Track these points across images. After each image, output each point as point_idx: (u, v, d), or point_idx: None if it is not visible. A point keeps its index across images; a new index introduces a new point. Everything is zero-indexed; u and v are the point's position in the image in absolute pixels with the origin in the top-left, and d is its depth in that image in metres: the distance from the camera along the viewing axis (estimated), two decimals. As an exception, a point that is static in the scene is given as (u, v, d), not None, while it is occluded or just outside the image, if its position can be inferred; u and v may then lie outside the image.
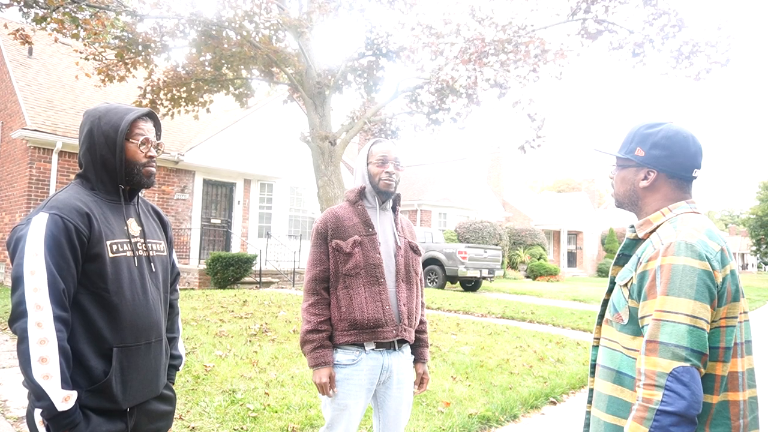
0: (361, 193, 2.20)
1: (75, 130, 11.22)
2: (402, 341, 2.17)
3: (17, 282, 1.42)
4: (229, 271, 12.09)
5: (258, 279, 13.05)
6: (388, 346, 2.12)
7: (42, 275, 1.42)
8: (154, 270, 1.71)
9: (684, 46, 8.42)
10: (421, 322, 2.31)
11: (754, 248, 51.14)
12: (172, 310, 1.90)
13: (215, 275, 12.17)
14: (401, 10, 9.62)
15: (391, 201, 2.25)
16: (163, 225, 1.89)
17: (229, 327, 6.33)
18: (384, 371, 2.11)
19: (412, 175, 23.56)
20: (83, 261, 1.52)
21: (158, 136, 1.77)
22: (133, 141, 1.66)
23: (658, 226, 1.40)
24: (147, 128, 1.70)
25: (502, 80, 8.54)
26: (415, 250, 2.26)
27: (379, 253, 2.12)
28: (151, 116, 1.75)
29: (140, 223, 1.73)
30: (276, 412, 3.73)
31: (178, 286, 1.97)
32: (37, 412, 1.43)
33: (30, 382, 1.39)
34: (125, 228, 1.66)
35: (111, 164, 1.63)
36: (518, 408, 4.30)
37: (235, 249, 14.33)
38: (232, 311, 7.42)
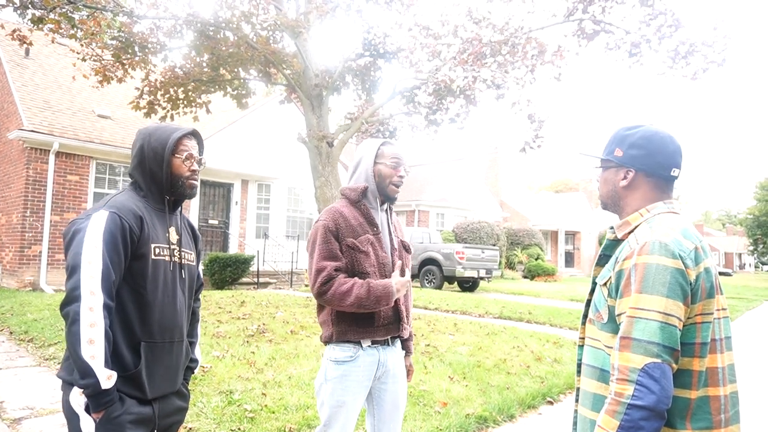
0: (364, 193, 2.17)
1: (72, 130, 11.21)
2: (395, 337, 2.20)
3: (74, 269, 1.56)
4: (226, 272, 12.09)
5: (256, 280, 13.05)
6: (383, 341, 2.14)
7: (98, 265, 1.57)
8: (183, 277, 1.86)
9: (680, 46, 8.45)
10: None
11: (751, 248, 51.33)
12: (193, 316, 2.03)
13: (213, 276, 12.16)
14: (398, 11, 9.62)
15: (388, 202, 2.27)
16: (195, 238, 2.04)
17: (227, 328, 6.32)
18: (380, 366, 2.13)
19: (410, 175, 23.41)
20: (130, 258, 1.68)
21: (201, 152, 1.93)
22: (178, 156, 1.84)
23: (636, 227, 1.44)
24: (191, 145, 1.88)
25: (500, 81, 8.55)
26: (407, 249, 2.30)
27: (386, 252, 2.15)
28: (195, 134, 1.92)
29: (178, 233, 1.89)
30: (273, 412, 3.72)
31: (200, 296, 2.11)
32: (76, 392, 1.56)
33: (78, 361, 1.51)
34: (167, 235, 1.83)
35: (158, 177, 1.81)
36: (515, 408, 4.31)
37: (233, 250, 14.32)
38: (230, 312, 7.41)
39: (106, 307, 1.56)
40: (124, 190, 1.83)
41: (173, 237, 1.85)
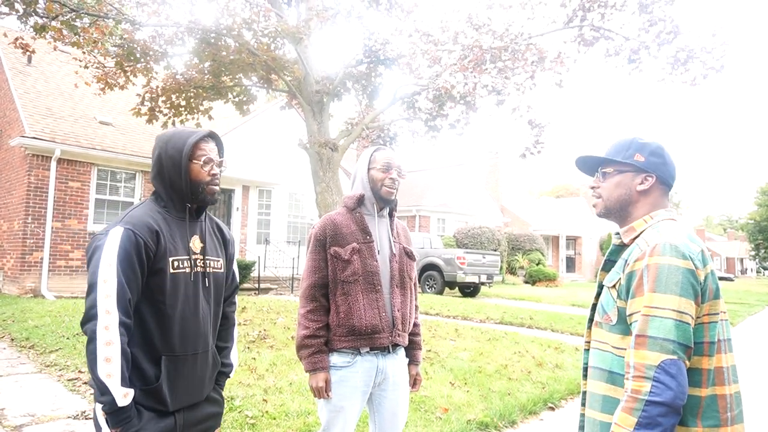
0: (360, 201, 2.21)
1: (74, 137, 11.25)
2: (396, 345, 2.20)
3: (92, 287, 1.58)
4: (227, 278, 12.07)
5: (257, 285, 13.05)
6: (383, 349, 2.15)
7: (113, 284, 1.57)
8: (207, 285, 1.83)
9: (680, 53, 8.48)
10: (415, 325, 2.34)
11: (753, 253, 51.25)
12: (227, 321, 2.01)
13: (214, 282, 12.15)
14: (399, 17, 9.68)
15: (387, 207, 2.27)
16: (225, 242, 1.99)
17: (228, 334, 6.32)
18: (379, 373, 2.14)
19: (411, 180, 23.60)
20: (147, 274, 1.67)
21: (221, 154, 1.89)
22: (196, 162, 1.79)
23: (641, 232, 1.49)
24: (209, 148, 1.83)
25: (500, 87, 8.59)
26: (409, 255, 2.28)
27: (377, 261, 2.15)
28: (213, 136, 1.88)
29: (203, 240, 1.85)
30: (274, 419, 3.72)
31: (236, 299, 2.08)
32: (99, 406, 1.57)
33: (95, 379, 1.53)
34: (188, 245, 1.79)
35: (178, 185, 1.77)
36: (517, 414, 4.30)
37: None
38: (231, 318, 7.40)
39: (122, 324, 1.56)
40: (145, 201, 1.82)
41: (196, 246, 1.81)
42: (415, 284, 2.32)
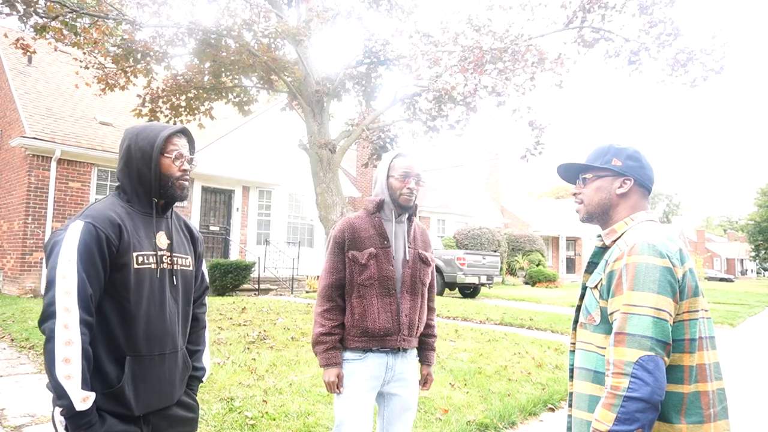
0: (380, 206, 2.25)
1: (74, 137, 11.26)
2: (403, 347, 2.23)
3: (50, 284, 1.49)
4: (227, 278, 12.09)
5: (256, 286, 13.05)
6: (393, 349, 2.19)
7: (73, 280, 1.49)
8: (175, 283, 1.76)
9: (680, 54, 8.50)
10: (429, 326, 2.38)
11: (753, 254, 51.24)
12: (197, 323, 1.94)
13: (214, 282, 12.16)
14: (399, 18, 9.69)
15: (406, 213, 2.30)
16: (193, 240, 1.94)
17: (228, 334, 6.32)
18: (389, 370, 2.19)
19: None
20: (110, 269, 1.59)
21: (191, 151, 1.84)
22: (168, 156, 1.74)
23: (622, 234, 1.52)
24: (181, 144, 1.78)
25: (501, 88, 8.60)
26: (424, 261, 2.30)
27: (392, 266, 2.19)
28: (185, 133, 1.83)
29: (169, 237, 1.78)
30: (274, 419, 3.72)
31: (206, 300, 2.01)
32: (57, 410, 1.47)
33: (53, 381, 1.44)
34: (154, 240, 1.72)
35: (146, 178, 1.71)
36: (516, 415, 4.30)
37: (234, 256, 14.32)
38: (231, 318, 7.41)
39: (83, 322, 1.47)
40: (107, 197, 1.74)
41: (162, 242, 1.74)
42: (431, 287, 2.36)
